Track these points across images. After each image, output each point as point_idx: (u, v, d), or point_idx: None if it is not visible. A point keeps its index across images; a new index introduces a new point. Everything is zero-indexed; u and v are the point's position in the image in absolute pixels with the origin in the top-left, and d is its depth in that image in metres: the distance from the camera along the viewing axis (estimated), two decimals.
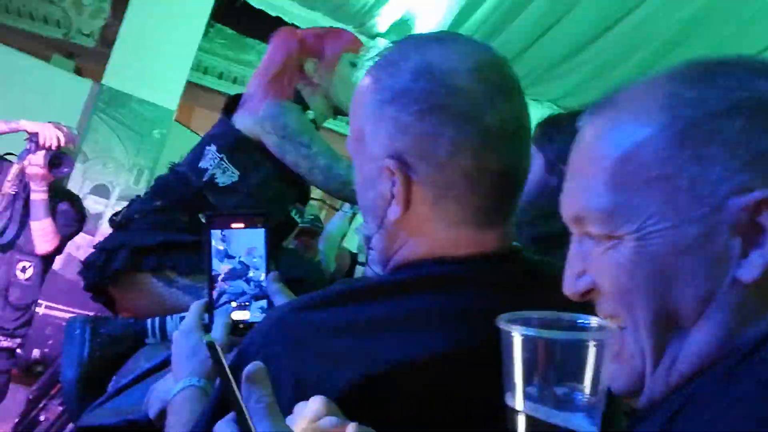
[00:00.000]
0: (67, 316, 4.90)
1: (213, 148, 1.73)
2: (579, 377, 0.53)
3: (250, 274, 0.84)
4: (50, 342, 4.73)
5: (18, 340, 2.90)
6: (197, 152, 1.75)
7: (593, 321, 0.58)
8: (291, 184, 1.81)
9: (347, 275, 2.10)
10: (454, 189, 0.72)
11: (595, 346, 0.53)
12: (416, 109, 0.71)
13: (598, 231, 0.56)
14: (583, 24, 4.66)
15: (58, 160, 2.75)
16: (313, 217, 2.12)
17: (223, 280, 0.84)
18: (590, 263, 0.58)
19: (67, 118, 4.88)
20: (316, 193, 1.97)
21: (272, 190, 1.77)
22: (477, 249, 0.74)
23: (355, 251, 2.17)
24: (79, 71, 5.45)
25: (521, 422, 0.54)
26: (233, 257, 0.84)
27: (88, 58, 5.61)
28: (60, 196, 2.90)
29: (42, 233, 2.78)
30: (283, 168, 1.73)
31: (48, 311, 4.78)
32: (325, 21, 5.21)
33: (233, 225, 0.84)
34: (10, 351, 2.90)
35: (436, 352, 0.67)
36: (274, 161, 1.73)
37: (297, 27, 5.32)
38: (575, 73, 5.18)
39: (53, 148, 2.74)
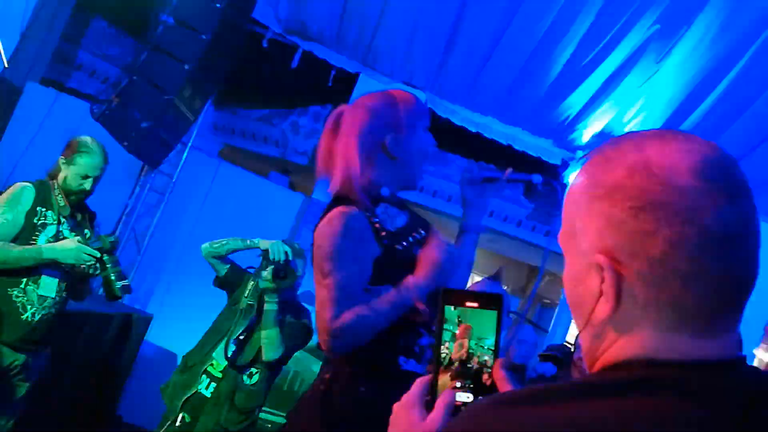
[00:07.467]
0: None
1: None
2: None
3: (479, 357, 0.83)
4: None
5: None
6: None
7: None
8: None
9: None
10: (667, 292, 0.67)
11: None
12: (630, 206, 0.68)
13: None
14: None
15: (284, 273, 2.97)
16: None
17: (451, 359, 0.83)
18: None
19: (281, 229, 5.33)
20: None
21: None
22: (692, 356, 0.68)
23: None
24: (293, 186, 5.95)
25: None
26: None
27: (301, 175, 6.12)
28: (288, 309, 3.09)
29: (269, 341, 2.98)
30: None
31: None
32: (524, 136, 5.31)
33: (467, 303, 0.84)
34: None
35: None
36: None
37: (496, 142, 5.46)
38: None
39: (281, 262, 2.97)
